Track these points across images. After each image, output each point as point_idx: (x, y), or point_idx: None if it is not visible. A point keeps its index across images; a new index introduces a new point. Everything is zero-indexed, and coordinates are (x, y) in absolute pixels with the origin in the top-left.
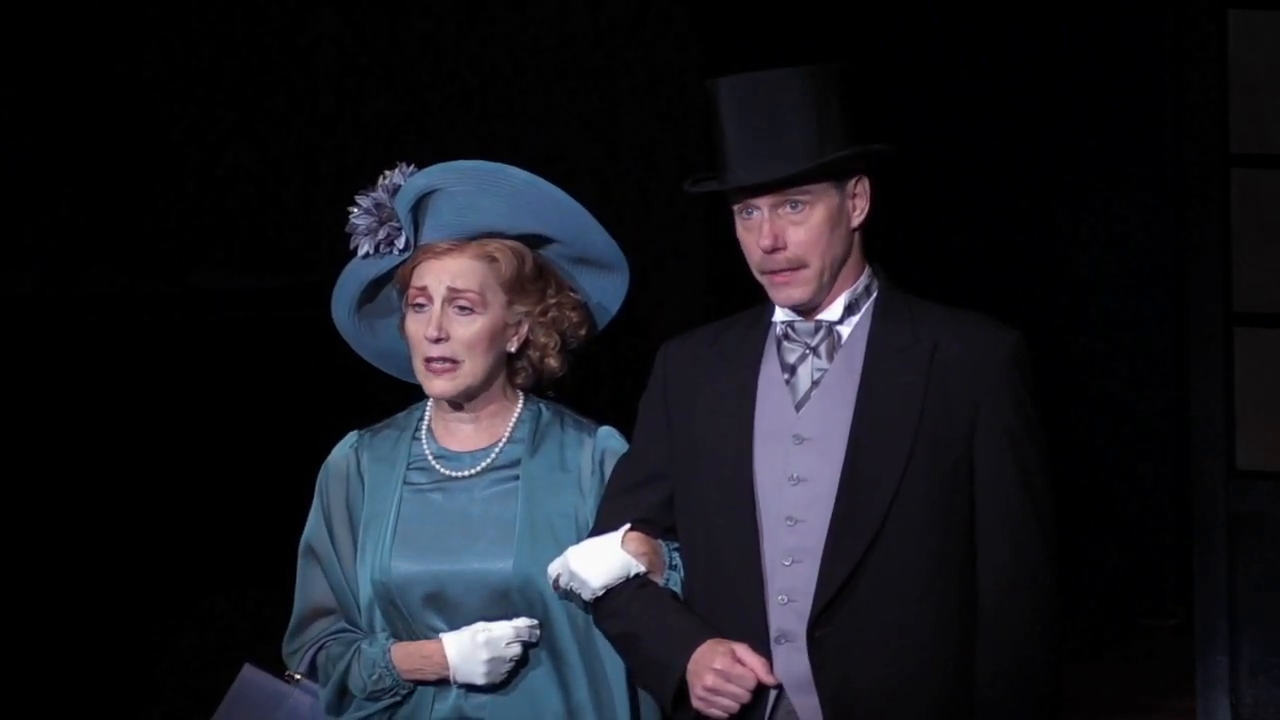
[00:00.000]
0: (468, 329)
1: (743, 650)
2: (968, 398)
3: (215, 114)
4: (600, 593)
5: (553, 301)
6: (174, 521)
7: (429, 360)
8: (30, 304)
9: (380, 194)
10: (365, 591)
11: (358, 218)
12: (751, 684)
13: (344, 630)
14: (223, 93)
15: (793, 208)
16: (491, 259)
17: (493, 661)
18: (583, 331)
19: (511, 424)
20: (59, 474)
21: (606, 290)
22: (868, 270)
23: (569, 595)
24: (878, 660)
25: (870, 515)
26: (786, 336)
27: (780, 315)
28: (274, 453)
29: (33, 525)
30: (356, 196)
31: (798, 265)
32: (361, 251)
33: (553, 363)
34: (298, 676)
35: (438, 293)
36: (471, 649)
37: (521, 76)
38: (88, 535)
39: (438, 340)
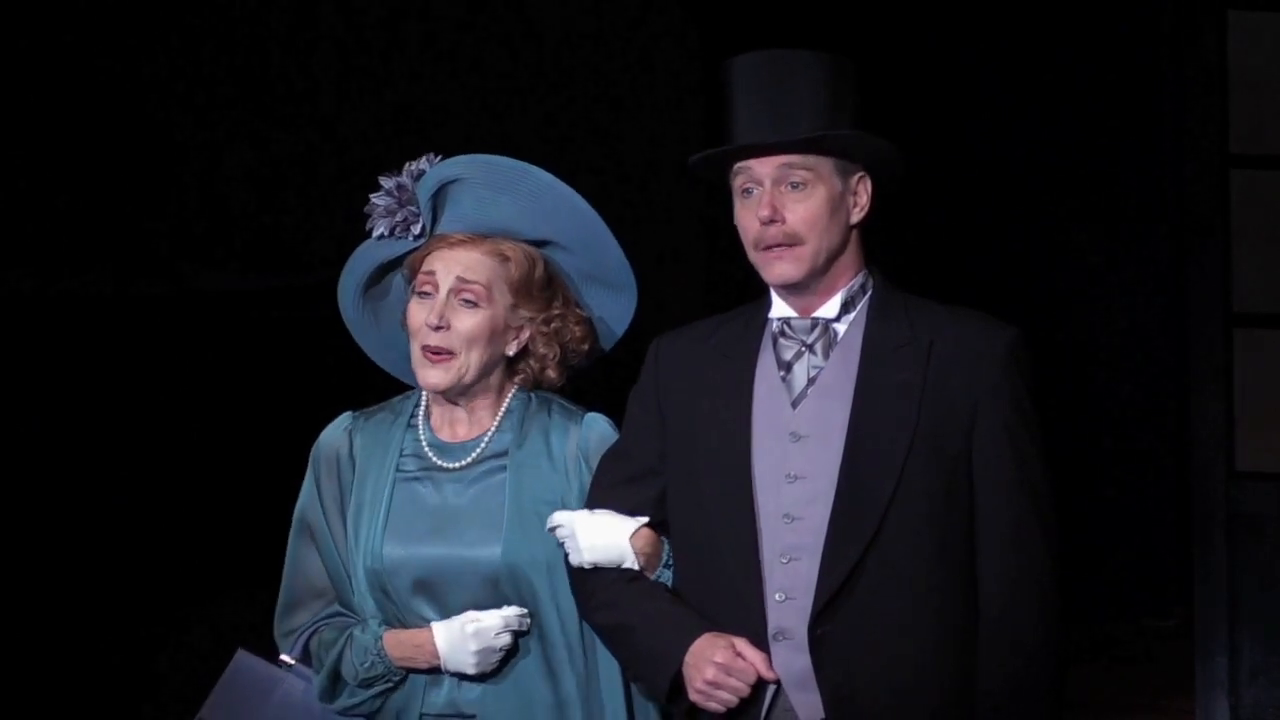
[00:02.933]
0: (468, 321)
1: (743, 644)
2: (966, 394)
3: (214, 115)
4: (587, 566)
5: (557, 313)
6: (172, 521)
7: (426, 348)
8: (30, 304)
9: (404, 178)
10: (359, 577)
11: (378, 198)
12: (752, 678)
13: (337, 614)
14: (222, 93)
15: (793, 187)
16: (504, 258)
17: (482, 651)
18: (585, 347)
19: (500, 413)
20: (58, 474)
21: (614, 311)
22: (864, 270)
23: (560, 546)
24: (878, 657)
25: (870, 513)
26: (783, 334)
27: (776, 312)
28: (272, 453)
29: (31, 525)
30: (380, 179)
31: (793, 241)
32: (376, 232)
33: (551, 374)
34: (291, 662)
35: (445, 281)
36: (461, 639)
37: (521, 76)
38: (86, 535)
39: (437, 328)
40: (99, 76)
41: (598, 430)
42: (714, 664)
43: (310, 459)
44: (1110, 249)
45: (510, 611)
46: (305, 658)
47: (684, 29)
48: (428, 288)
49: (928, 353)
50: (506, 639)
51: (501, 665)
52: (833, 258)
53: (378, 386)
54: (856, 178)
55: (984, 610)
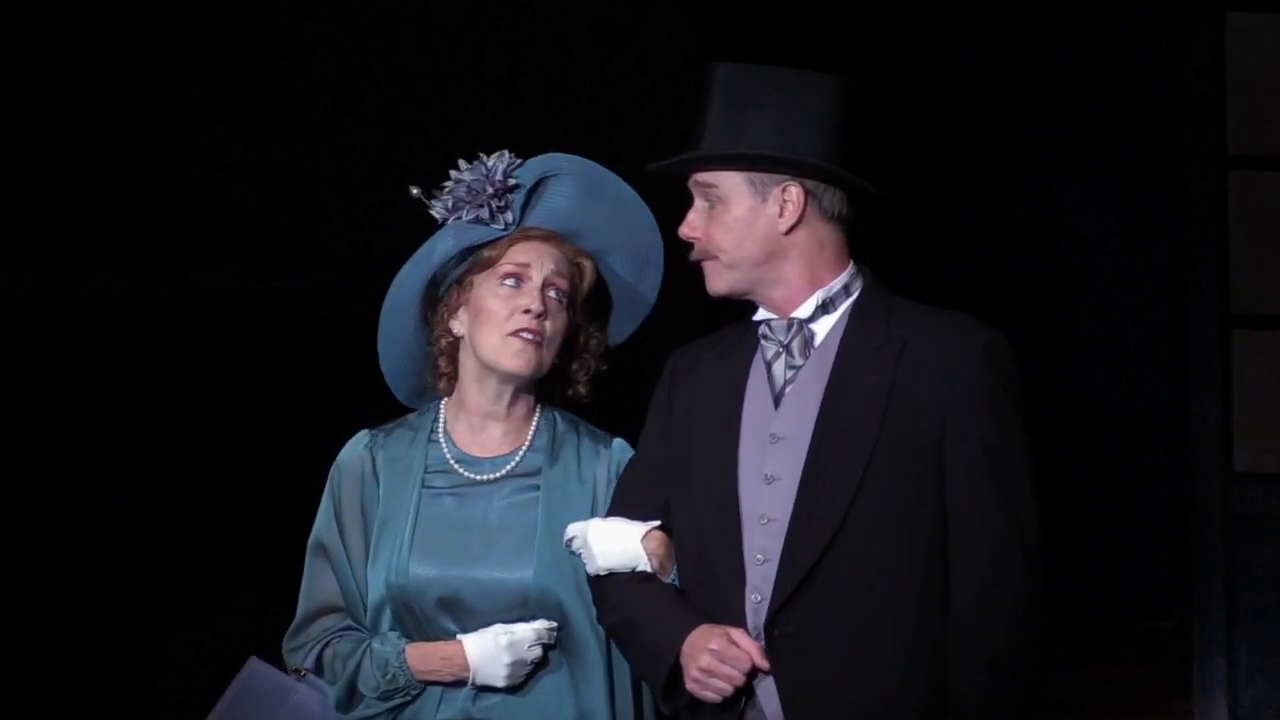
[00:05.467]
0: (558, 319)
1: (738, 634)
2: (937, 398)
3: (213, 115)
4: (602, 573)
5: (593, 327)
6: (172, 523)
7: (523, 330)
8: (29, 305)
9: (495, 164)
10: (377, 592)
11: (464, 183)
12: (746, 666)
13: (350, 628)
14: (221, 94)
15: (707, 201)
16: (579, 265)
17: (515, 664)
18: (604, 366)
19: (532, 431)
20: (58, 474)
21: (617, 331)
22: (849, 270)
23: (584, 589)
24: (837, 660)
25: (829, 515)
26: (764, 335)
27: (760, 314)
28: (272, 454)
29: (31, 525)
30: (461, 163)
31: (707, 255)
32: (467, 216)
33: (582, 389)
34: (304, 671)
35: (539, 273)
36: (494, 651)
37: (520, 77)
38: (86, 535)
39: (540, 316)
40: (99, 76)
41: (629, 455)
42: (708, 651)
43: (329, 480)
44: (1108, 250)
45: (541, 624)
46: (317, 668)
47: (684, 29)
48: (517, 277)
49: (899, 354)
50: (538, 651)
51: (526, 678)
52: (759, 264)
53: (377, 389)
54: (780, 188)
55: (956, 626)
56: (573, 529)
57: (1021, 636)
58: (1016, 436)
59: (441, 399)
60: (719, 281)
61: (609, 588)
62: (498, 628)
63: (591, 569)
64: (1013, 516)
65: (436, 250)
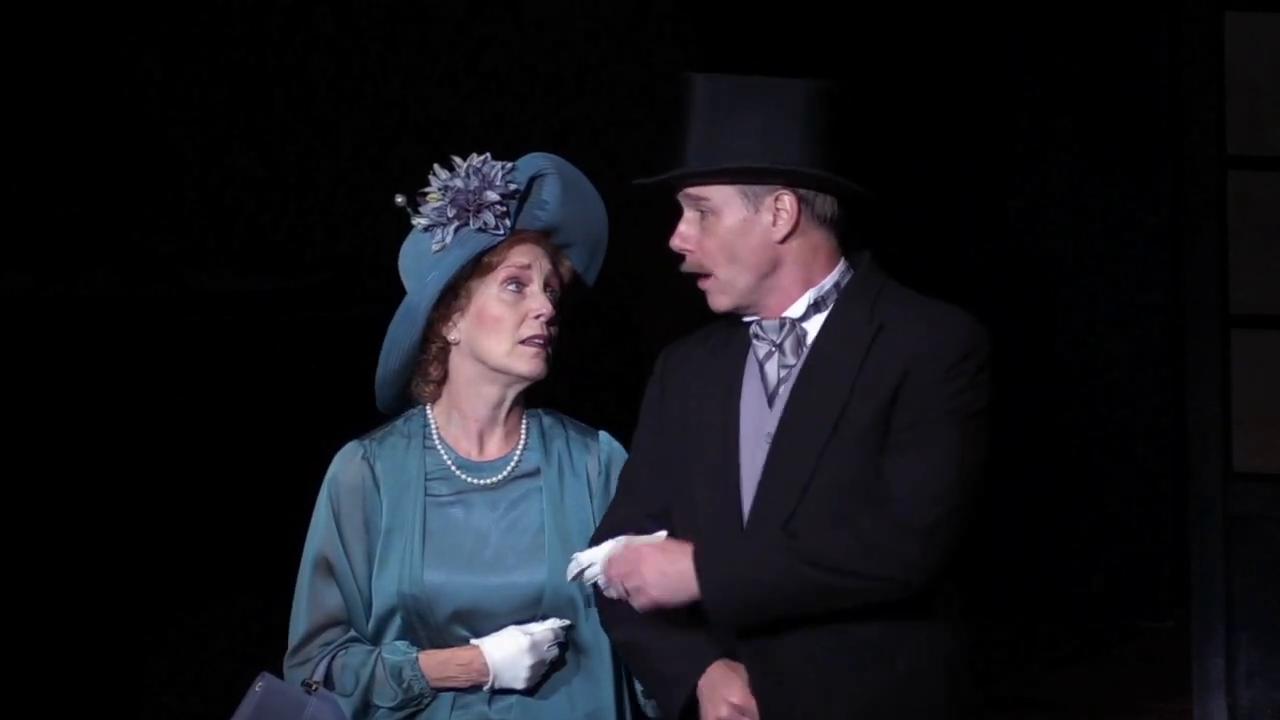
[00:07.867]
0: (558, 320)
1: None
2: (902, 382)
3: (213, 116)
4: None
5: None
6: (171, 525)
7: (533, 338)
8: (28, 305)
9: (490, 170)
10: (385, 603)
11: (477, 189)
12: None
13: (354, 639)
14: (220, 94)
15: (698, 212)
16: (563, 260)
17: (536, 665)
18: None
19: (524, 431)
20: (55, 476)
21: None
22: (840, 268)
23: (591, 589)
24: (798, 639)
25: (784, 501)
26: (756, 335)
27: (750, 314)
28: (271, 455)
29: (28, 528)
30: (439, 169)
31: (702, 270)
32: (475, 224)
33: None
34: (315, 684)
35: (539, 274)
36: (516, 654)
37: (519, 78)
38: (84, 537)
39: (550, 321)
40: (98, 76)
41: (616, 447)
42: (729, 704)
43: (326, 495)
44: (1107, 250)
45: (555, 623)
46: (325, 682)
47: (684, 29)
48: (518, 281)
49: (874, 337)
50: (555, 650)
51: (542, 679)
52: (760, 276)
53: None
54: (773, 197)
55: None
56: (584, 559)
57: (940, 506)
58: (972, 407)
59: (423, 404)
60: (721, 300)
61: (615, 604)
62: (514, 630)
63: (617, 593)
64: (950, 456)
65: (448, 259)
